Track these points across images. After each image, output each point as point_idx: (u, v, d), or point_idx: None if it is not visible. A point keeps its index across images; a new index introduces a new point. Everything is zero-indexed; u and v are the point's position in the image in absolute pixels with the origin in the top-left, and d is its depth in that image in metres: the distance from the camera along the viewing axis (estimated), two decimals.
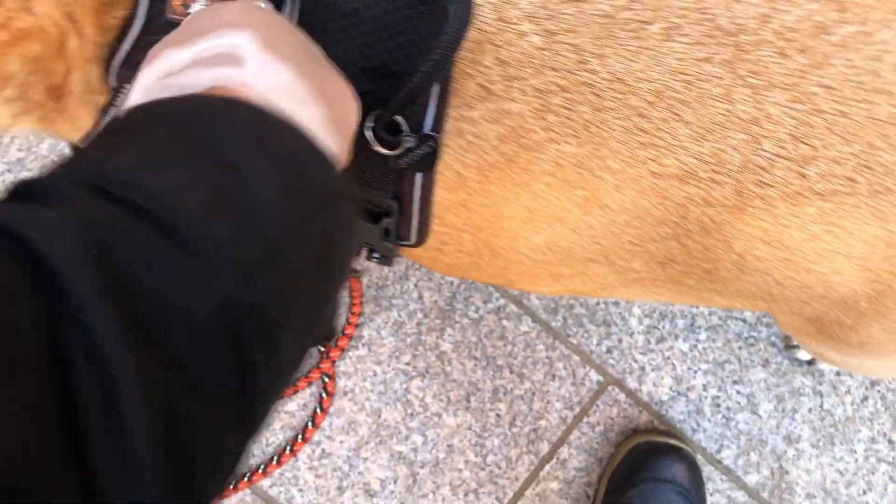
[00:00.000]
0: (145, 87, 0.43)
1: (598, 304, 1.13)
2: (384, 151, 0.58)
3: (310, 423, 1.10)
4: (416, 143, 0.58)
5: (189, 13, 0.56)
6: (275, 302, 0.32)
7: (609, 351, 1.13)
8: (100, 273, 0.27)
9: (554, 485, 1.12)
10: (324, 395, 1.11)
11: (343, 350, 1.11)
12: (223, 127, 0.36)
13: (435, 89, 0.58)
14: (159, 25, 0.57)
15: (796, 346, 1.09)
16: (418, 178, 0.62)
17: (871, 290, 0.62)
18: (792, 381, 1.12)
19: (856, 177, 0.57)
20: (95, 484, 0.25)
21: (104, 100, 0.59)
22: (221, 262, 0.30)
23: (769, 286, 0.64)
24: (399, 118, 0.58)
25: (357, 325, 1.12)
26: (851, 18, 0.57)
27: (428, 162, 0.59)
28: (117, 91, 0.58)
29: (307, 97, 0.42)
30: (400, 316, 1.14)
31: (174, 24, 0.56)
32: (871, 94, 0.56)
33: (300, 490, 1.12)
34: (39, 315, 0.26)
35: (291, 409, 1.12)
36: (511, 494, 1.11)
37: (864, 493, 1.11)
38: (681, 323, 1.13)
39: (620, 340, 1.13)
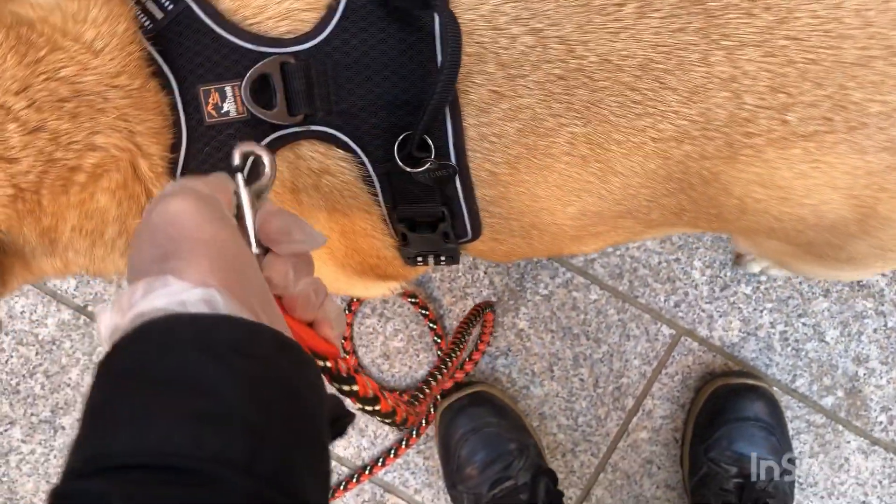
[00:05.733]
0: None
1: (659, 263, 1.20)
2: (408, 169, 0.66)
3: (414, 433, 1.21)
4: (436, 165, 0.65)
5: (223, 112, 0.63)
6: (278, 467, 0.40)
7: (677, 305, 1.20)
8: None
9: (643, 434, 1.21)
10: (432, 410, 1.20)
11: (467, 373, 1.20)
12: (172, 356, 0.41)
13: (447, 107, 0.65)
14: (201, 133, 0.64)
15: (748, 261, 1.15)
16: (457, 182, 0.69)
17: (858, 214, 0.68)
18: (854, 305, 1.18)
19: (832, 116, 0.63)
20: None
21: None
22: (226, 473, 0.38)
23: (769, 222, 0.71)
24: (427, 138, 0.66)
25: (483, 353, 1.20)
26: None
27: (445, 179, 0.67)
28: None
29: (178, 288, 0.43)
30: (476, 302, 1.21)
31: (214, 128, 0.64)
32: (836, 39, 0.61)
33: (412, 473, 1.22)
34: None
35: None
36: (605, 449, 1.21)
37: None
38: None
39: (686, 294, 1.20)
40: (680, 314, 1.20)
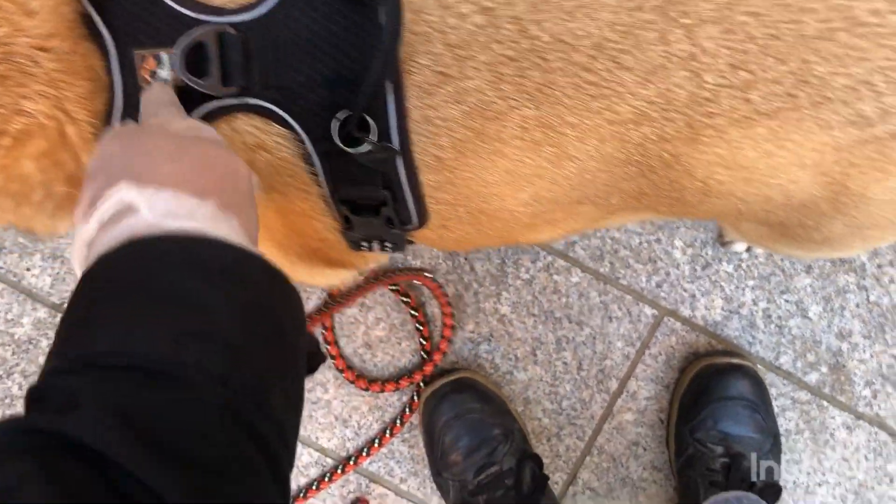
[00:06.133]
0: (82, 257, 0.49)
1: (640, 243, 1.19)
2: (347, 150, 0.64)
3: (398, 421, 1.20)
4: (377, 146, 0.63)
5: (159, 78, 0.62)
6: (253, 383, 0.42)
7: (659, 285, 1.19)
8: (133, 438, 0.37)
9: (628, 416, 1.20)
10: (416, 398, 1.19)
11: (444, 354, 1.19)
12: (162, 268, 0.44)
13: (389, 87, 0.63)
14: (137, 99, 0.63)
15: (730, 242, 1.15)
16: (400, 166, 0.67)
17: (829, 192, 0.67)
18: (836, 281, 1.18)
19: (796, 92, 0.61)
20: None
21: None
22: (203, 380, 0.40)
23: (734, 204, 0.70)
24: (368, 119, 0.63)
25: (451, 340, 1.19)
26: None
27: (388, 163, 0.66)
28: None
29: (211, 213, 0.48)
30: (457, 290, 1.20)
31: None
32: (796, 13, 0.60)
33: (397, 462, 1.21)
34: (108, 491, 0.35)
35: (380, 403, 1.20)
36: (590, 432, 1.20)
37: None
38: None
39: (668, 273, 1.19)
40: (662, 294, 1.19)
